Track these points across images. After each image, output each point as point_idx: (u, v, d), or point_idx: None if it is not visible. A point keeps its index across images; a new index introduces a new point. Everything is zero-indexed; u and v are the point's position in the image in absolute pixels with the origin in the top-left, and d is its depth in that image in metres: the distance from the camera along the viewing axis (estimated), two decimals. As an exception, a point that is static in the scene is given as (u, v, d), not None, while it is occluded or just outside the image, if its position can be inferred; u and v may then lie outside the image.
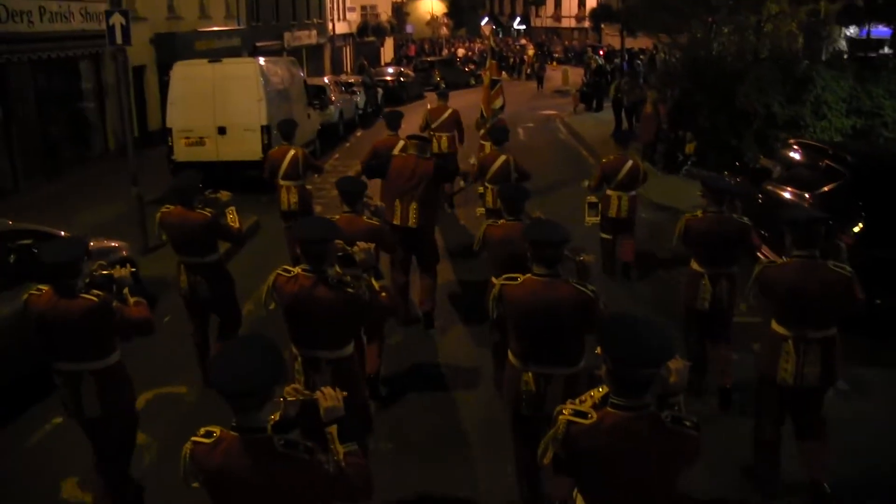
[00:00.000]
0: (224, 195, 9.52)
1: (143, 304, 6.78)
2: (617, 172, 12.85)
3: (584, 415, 4.24)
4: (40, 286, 6.57)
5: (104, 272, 6.82)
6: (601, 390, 4.41)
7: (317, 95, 28.29)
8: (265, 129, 19.76)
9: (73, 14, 22.24)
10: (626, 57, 40.54)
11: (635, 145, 20.62)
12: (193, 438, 4.18)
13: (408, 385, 9.86)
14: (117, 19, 14.04)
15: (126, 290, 6.78)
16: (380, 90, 40.53)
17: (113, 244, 11.75)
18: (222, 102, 19.80)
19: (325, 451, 4.26)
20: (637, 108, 28.00)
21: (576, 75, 49.91)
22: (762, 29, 23.46)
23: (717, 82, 20.70)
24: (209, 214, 9.09)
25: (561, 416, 4.30)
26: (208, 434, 4.16)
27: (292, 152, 13.45)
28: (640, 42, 47.25)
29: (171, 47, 28.27)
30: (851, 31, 29.04)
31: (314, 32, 52.72)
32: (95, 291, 6.45)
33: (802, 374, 6.92)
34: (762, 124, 19.49)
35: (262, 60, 21.57)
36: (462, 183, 13.32)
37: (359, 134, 32.14)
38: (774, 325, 7.11)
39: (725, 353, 9.00)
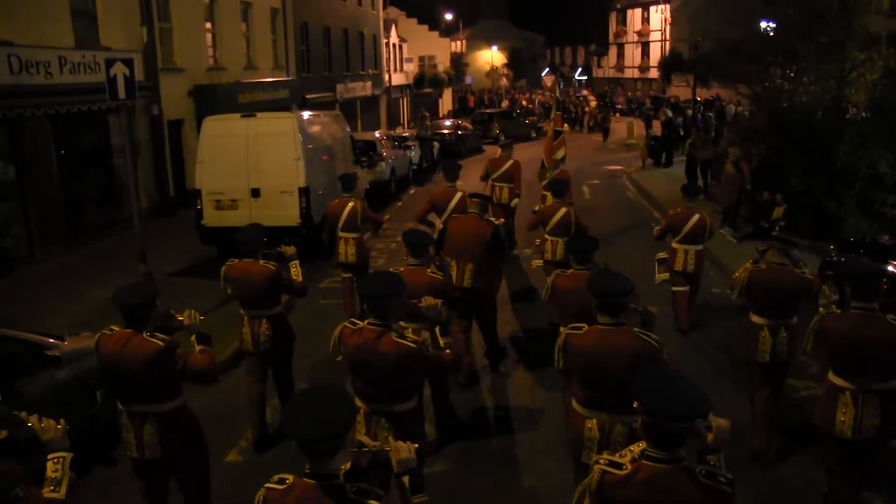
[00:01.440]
0: (289, 250, 9.72)
1: (207, 352, 6.86)
2: (683, 225, 12.78)
3: (618, 466, 4.33)
4: (112, 326, 6.76)
5: (178, 318, 7.03)
6: (640, 445, 4.42)
7: (366, 151, 26.38)
8: (303, 192, 17.76)
9: (98, 64, 20.15)
10: (701, 109, 38.13)
11: (712, 205, 19.75)
12: (267, 485, 4.26)
13: (473, 427, 10.09)
14: (119, 69, 12.05)
15: (193, 338, 6.92)
16: (436, 144, 38.55)
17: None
18: (256, 161, 17.88)
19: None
20: (711, 166, 25.85)
21: (640, 128, 47.97)
22: (846, 77, 21.22)
23: (811, 138, 18.37)
24: (273, 268, 9.27)
25: (596, 466, 4.41)
26: (281, 481, 4.25)
27: (351, 204, 13.72)
28: (708, 93, 45.06)
29: (212, 100, 26.53)
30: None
31: (369, 84, 51.19)
32: (161, 335, 6.59)
33: (861, 428, 6.85)
34: (866, 186, 17.09)
35: (302, 114, 19.65)
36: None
37: (412, 192, 29.96)
38: (832, 377, 7.09)
39: (772, 408, 8.94)
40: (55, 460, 4.95)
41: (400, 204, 27.00)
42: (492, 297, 11.62)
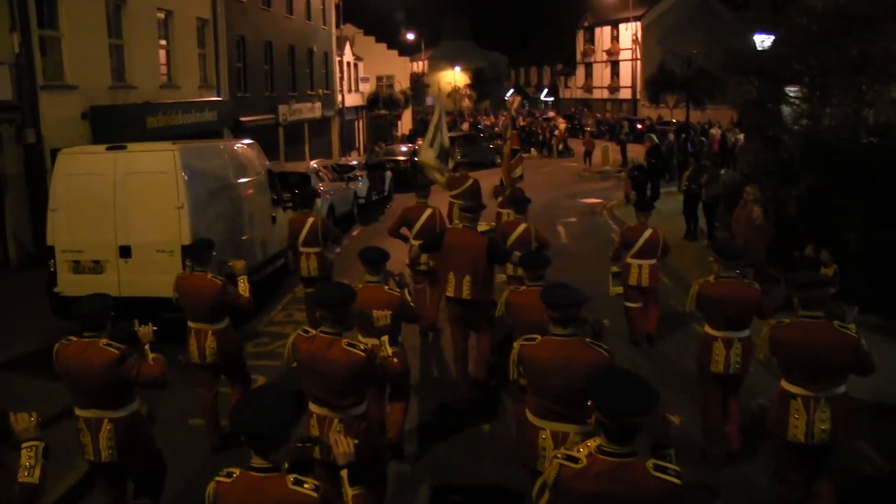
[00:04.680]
0: (238, 264, 10.02)
1: (160, 360, 7.25)
2: (636, 240, 13.08)
3: (575, 459, 4.60)
4: (70, 337, 7.12)
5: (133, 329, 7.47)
6: (596, 441, 4.64)
7: (294, 187, 21.52)
8: (188, 251, 13.05)
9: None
10: (691, 133, 33.41)
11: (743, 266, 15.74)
12: (217, 478, 4.61)
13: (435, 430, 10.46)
14: None
15: (147, 347, 7.33)
16: (388, 173, 33.66)
17: None
18: (126, 210, 13.30)
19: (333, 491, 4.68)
20: (718, 205, 21.37)
21: (615, 153, 44.07)
22: (865, 96, 17.33)
23: (877, 178, 13.89)
24: (220, 282, 9.53)
25: (554, 460, 4.71)
26: (229, 474, 4.60)
27: (311, 220, 13.99)
28: (703, 115, 40.75)
29: (111, 124, 21.80)
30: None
31: (318, 105, 46.57)
32: (117, 344, 6.98)
33: (812, 432, 7.11)
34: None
35: (192, 146, 14.85)
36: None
37: (356, 233, 24.99)
38: (784, 384, 7.37)
39: (734, 426, 9.28)
40: (29, 448, 5.36)
41: (338, 250, 21.72)
42: (487, 305, 11.37)
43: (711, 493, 8.51)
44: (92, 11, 22.64)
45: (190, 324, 9.70)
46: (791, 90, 19.81)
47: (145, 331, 7.38)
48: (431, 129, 19.00)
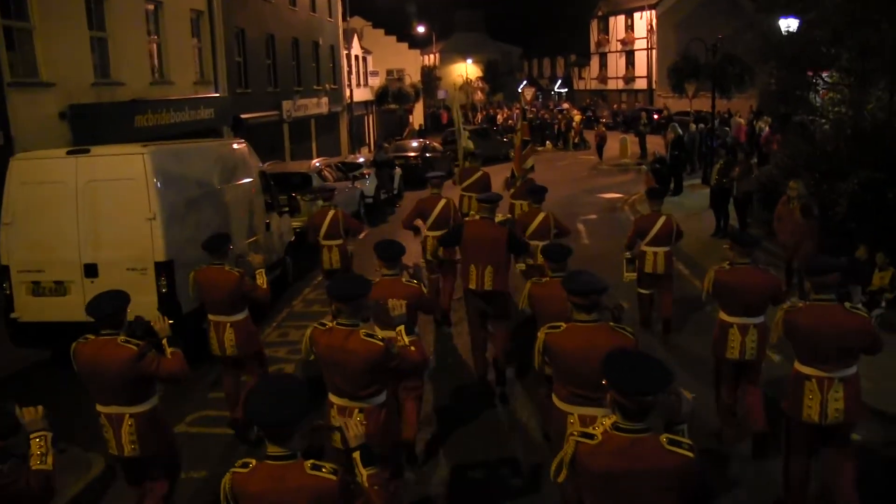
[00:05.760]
0: (256, 258, 10.41)
1: (178, 354, 7.37)
2: (650, 228, 13.19)
3: (591, 436, 4.71)
4: (87, 335, 7.21)
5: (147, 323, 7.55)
6: (611, 419, 4.75)
7: (294, 189, 19.97)
8: (163, 269, 11.66)
9: None
10: (716, 123, 31.51)
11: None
12: (233, 470, 4.65)
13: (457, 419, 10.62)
14: None
15: (164, 341, 7.41)
16: (398, 170, 32.16)
17: None
18: (91, 223, 11.81)
19: (350, 473, 4.79)
20: (752, 201, 19.77)
21: (634, 145, 42.69)
22: None
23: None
24: (237, 274, 9.81)
25: (571, 438, 4.79)
26: (245, 465, 4.66)
27: (332, 213, 14.30)
28: (728, 104, 39.11)
29: (93, 124, 20.11)
30: None
31: (325, 100, 44.97)
32: (134, 341, 7.09)
33: (826, 413, 7.26)
34: None
35: (167, 147, 13.25)
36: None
37: (363, 235, 23.05)
38: (798, 366, 7.54)
39: (755, 399, 9.21)
40: (38, 438, 5.61)
41: (352, 248, 20.24)
42: (506, 295, 11.60)
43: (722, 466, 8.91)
44: (68, 1, 20.77)
45: (210, 316, 9.99)
46: (823, 75, 18.35)
47: (162, 325, 7.49)
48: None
